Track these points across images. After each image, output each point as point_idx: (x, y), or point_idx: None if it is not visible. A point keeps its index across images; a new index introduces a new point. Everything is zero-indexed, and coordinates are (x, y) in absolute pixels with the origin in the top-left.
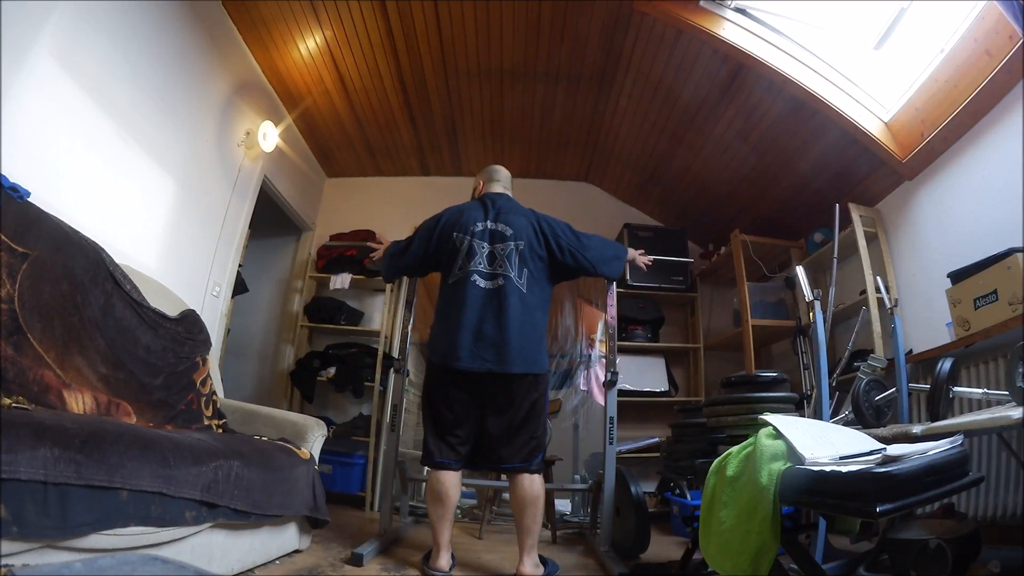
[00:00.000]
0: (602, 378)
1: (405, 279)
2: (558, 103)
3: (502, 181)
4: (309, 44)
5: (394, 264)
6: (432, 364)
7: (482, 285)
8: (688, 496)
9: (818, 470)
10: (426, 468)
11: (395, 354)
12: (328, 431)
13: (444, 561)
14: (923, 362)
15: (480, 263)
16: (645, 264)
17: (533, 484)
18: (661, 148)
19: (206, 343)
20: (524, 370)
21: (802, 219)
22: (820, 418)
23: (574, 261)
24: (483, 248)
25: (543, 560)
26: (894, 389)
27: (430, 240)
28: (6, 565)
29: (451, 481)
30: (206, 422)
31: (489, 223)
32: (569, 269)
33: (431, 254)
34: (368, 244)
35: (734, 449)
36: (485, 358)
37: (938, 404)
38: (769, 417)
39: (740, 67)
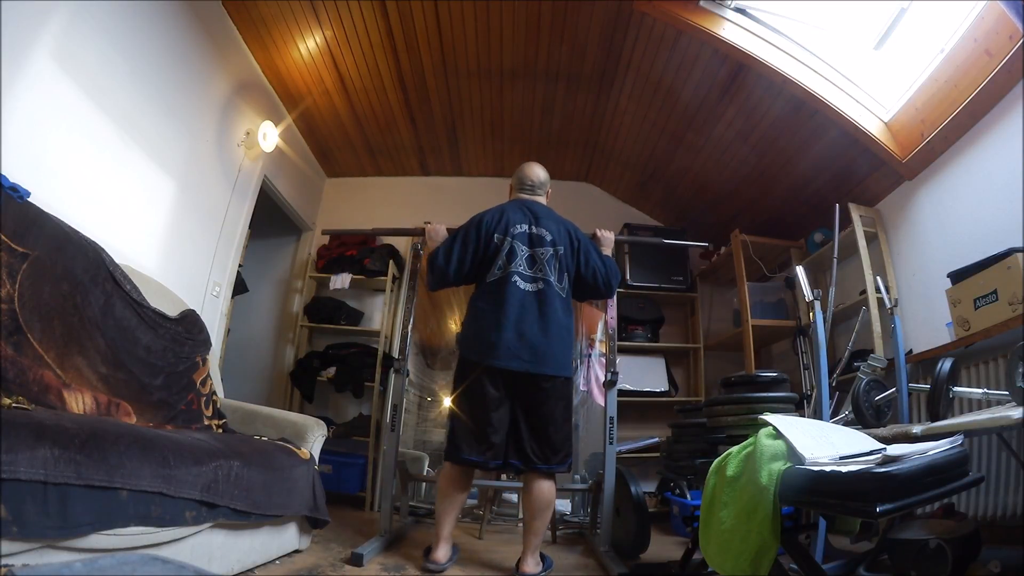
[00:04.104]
0: (602, 378)
1: (405, 278)
2: (558, 103)
3: (534, 188)
4: (309, 44)
5: (443, 274)
6: (466, 360)
7: (523, 287)
8: (688, 496)
9: (818, 470)
10: (428, 469)
11: (395, 354)
12: (328, 431)
13: (442, 553)
14: (923, 362)
15: (520, 265)
16: (604, 238)
17: (551, 489)
18: (661, 148)
19: (206, 343)
20: (557, 372)
21: (802, 219)
22: (820, 418)
23: (593, 280)
24: (523, 251)
25: (541, 556)
26: (894, 389)
27: (478, 244)
28: (6, 565)
29: (467, 476)
30: (206, 422)
31: (529, 227)
32: (585, 286)
33: (478, 258)
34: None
35: (734, 449)
36: (523, 358)
37: (938, 404)
38: (769, 417)
39: (740, 67)
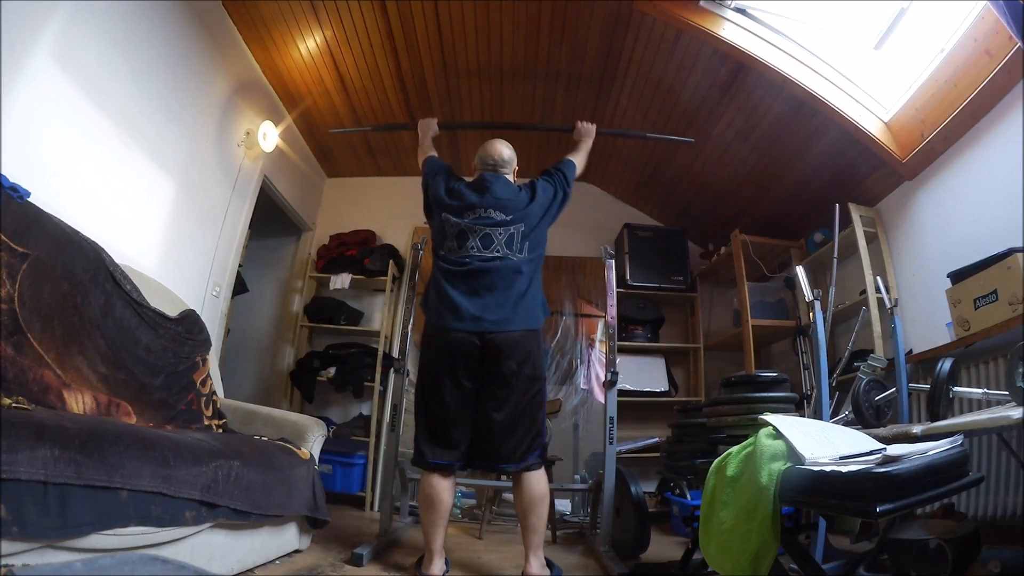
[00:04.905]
0: (602, 378)
1: (405, 278)
2: (558, 103)
3: (496, 167)
4: (309, 44)
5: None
6: (430, 326)
7: (478, 266)
8: (688, 496)
9: (818, 470)
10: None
11: (395, 354)
12: (328, 431)
13: (437, 568)
14: (923, 362)
15: (473, 247)
16: (586, 129)
17: (540, 483)
18: (661, 148)
19: (206, 343)
20: (522, 327)
21: (802, 219)
22: (820, 418)
23: (566, 198)
24: (477, 231)
25: (549, 563)
26: (894, 389)
27: (430, 206)
28: (6, 565)
29: (443, 485)
30: (206, 422)
31: (484, 210)
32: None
33: (424, 205)
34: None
35: (734, 449)
36: (486, 319)
37: (938, 404)
38: (769, 417)
39: (740, 67)
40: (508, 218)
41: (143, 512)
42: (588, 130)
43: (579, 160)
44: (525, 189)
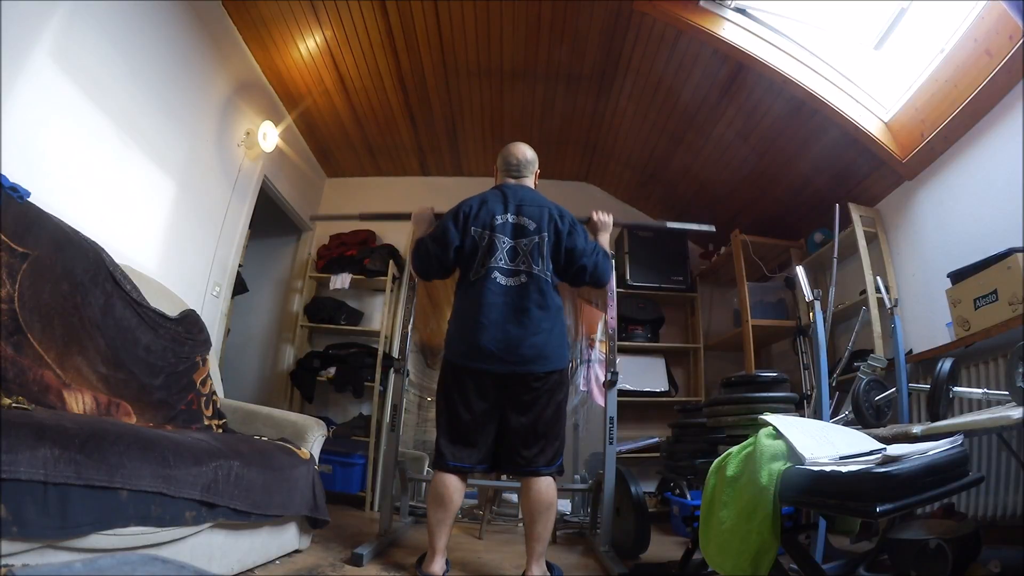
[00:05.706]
0: (602, 378)
1: (405, 278)
2: (558, 103)
3: (520, 168)
4: (309, 44)
5: (427, 265)
6: (449, 362)
7: (503, 283)
8: (688, 496)
9: (818, 470)
10: (427, 469)
11: (395, 354)
12: (328, 431)
13: (438, 566)
14: (923, 362)
15: (501, 259)
16: (602, 222)
17: (549, 489)
18: (661, 148)
19: (206, 343)
20: (549, 368)
21: (802, 219)
22: (820, 418)
23: (572, 264)
24: (504, 243)
25: (549, 566)
26: (894, 389)
27: (454, 237)
28: (6, 565)
29: (456, 486)
30: (206, 422)
31: (511, 216)
32: (569, 269)
33: (458, 252)
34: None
35: (734, 449)
36: (507, 360)
37: (938, 404)
38: (769, 417)
39: (740, 67)
40: (533, 227)
41: (143, 512)
42: (605, 223)
43: (607, 248)
44: (556, 209)
